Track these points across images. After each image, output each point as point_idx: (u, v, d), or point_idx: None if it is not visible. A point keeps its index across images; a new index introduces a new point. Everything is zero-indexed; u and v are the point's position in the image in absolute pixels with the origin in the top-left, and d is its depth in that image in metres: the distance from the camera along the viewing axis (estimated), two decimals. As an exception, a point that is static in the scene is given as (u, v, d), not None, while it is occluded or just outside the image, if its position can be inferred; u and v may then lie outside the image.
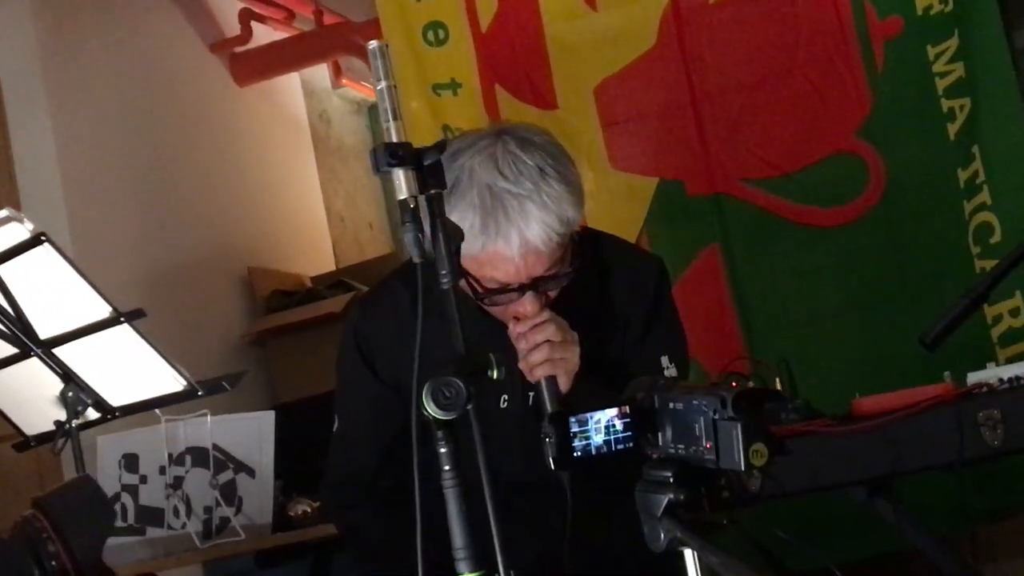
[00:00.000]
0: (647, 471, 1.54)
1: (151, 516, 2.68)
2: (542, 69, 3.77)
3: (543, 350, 1.99)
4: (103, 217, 4.17)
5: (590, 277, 2.18)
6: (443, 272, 1.59)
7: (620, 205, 3.66)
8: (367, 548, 2.29)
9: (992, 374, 2.16)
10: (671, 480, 1.50)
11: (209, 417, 2.67)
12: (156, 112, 4.56)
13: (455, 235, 1.60)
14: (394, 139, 1.59)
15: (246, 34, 4.96)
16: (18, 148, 4.10)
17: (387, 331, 2.20)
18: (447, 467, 1.54)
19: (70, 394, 1.76)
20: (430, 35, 3.77)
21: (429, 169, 1.60)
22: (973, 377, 2.21)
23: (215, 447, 2.68)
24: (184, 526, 2.68)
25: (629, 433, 1.52)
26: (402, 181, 1.58)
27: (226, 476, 2.72)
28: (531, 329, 2.01)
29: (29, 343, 1.72)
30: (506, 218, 1.98)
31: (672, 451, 1.51)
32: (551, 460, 1.53)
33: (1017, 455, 2.86)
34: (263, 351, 4.68)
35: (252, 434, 2.73)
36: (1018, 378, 2.05)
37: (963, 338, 3.31)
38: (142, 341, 1.71)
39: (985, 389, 2.09)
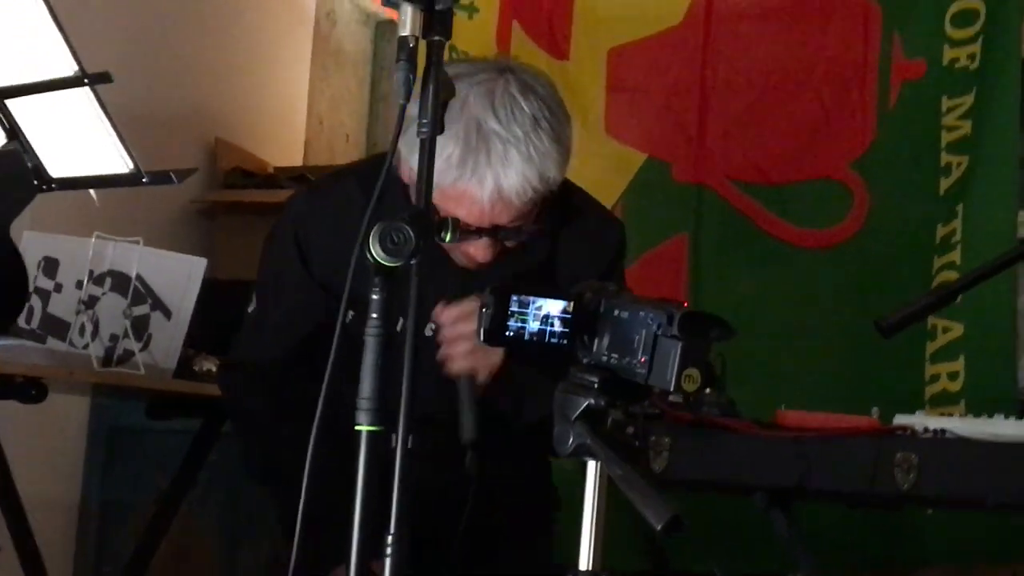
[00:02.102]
0: (573, 372, 1.48)
1: (56, 327, 2.60)
2: (564, 18, 3.72)
3: (466, 342, 1.93)
4: (90, 42, 4.05)
5: (551, 224, 2.12)
6: (423, 121, 1.53)
7: (604, 171, 3.60)
8: (254, 433, 2.21)
9: (920, 421, 2.17)
10: (595, 386, 1.45)
11: (141, 245, 2.60)
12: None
13: (446, 87, 1.54)
14: (413, -28, 1.52)
15: (279, -90, 4.87)
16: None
17: (329, 228, 2.10)
18: (375, 315, 1.48)
19: (12, 149, 1.68)
20: (461, -48, 3.70)
21: (439, 15, 1.53)
22: (900, 419, 2.20)
23: (138, 277, 2.60)
24: (87, 347, 2.60)
25: (566, 330, 1.47)
26: (408, 17, 1.51)
27: (141, 310, 2.64)
28: (458, 319, 1.95)
29: (-20, 87, 1.64)
30: (487, 159, 1.93)
31: (604, 359, 1.46)
32: (482, 331, 1.47)
33: (923, 507, 2.86)
34: (211, 223, 4.59)
35: (180, 276, 2.66)
36: (943, 431, 2.04)
37: (899, 385, 3.36)
38: (99, 111, 1.63)
39: (909, 432, 2.08)
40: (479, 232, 1.98)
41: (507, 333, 1.45)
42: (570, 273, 2.12)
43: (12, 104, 1.67)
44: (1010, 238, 3.35)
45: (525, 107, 1.96)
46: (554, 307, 1.47)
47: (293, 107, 5.21)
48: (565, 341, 1.46)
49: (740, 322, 3.58)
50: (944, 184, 3.43)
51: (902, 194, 3.48)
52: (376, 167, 2.14)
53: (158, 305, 2.64)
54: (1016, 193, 3.41)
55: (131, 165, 1.69)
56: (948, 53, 3.45)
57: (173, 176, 1.76)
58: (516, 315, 1.46)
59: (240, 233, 4.52)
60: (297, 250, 2.13)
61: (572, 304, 1.47)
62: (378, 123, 5.65)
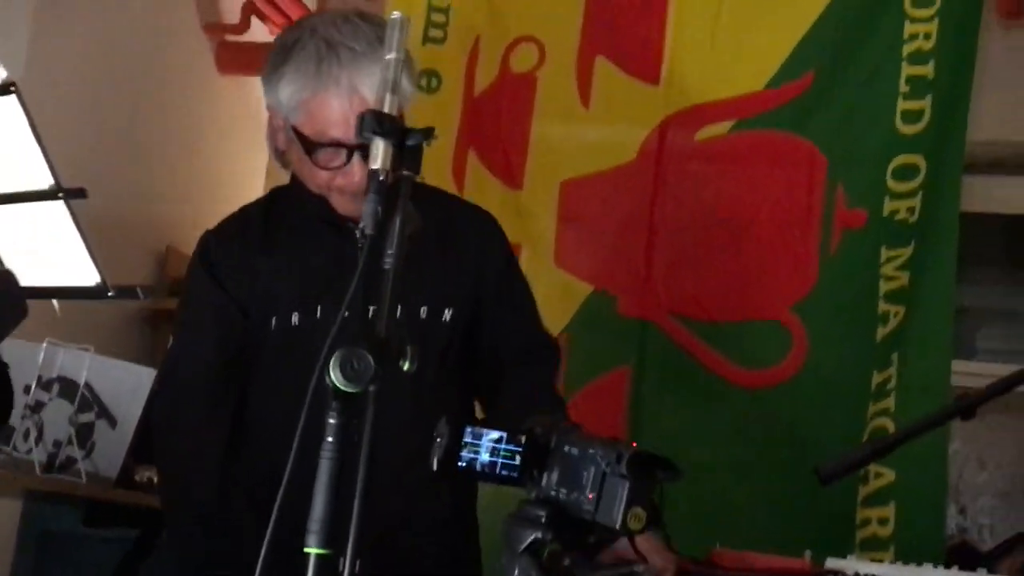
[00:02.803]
0: (522, 505, 1.52)
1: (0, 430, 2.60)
2: (520, 149, 3.80)
3: None
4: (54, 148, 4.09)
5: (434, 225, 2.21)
6: (388, 252, 1.58)
7: (551, 300, 3.62)
8: (173, 471, 2.29)
9: (850, 565, 2.23)
10: (543, 520, 1.48)
11: (91, 354, 2.61)
12: (133, 68, 4.53)
13: (411, 220, 1.59)
14: (386, 110, 1.58)
15: (243, 25, 4.96)
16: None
17: (235, 250, 2.29)
18: (330, 438, 1.51)
19: (-21, 261, 1.71)
20: (423, 82, 3.78)
21: (409, 150, 1.60)
22: (832, 563, 2.26)
23: (87, 385, 2.62)
24: (30, 452, 2.60)
25: (517, 462, 1.51)
26: (380, 151, 1.58)
27: (87, 417, 2.65)
28: None
29: (-47, 192, 1.67)
30: (338, 64, 2.12)
31: (553, 493, 1.49)
32: (435, 461, 1.51)
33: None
34: (155, 332, 4.60)
35: (128, 385, 2.68)
36: (873, 575, 2.11)
37: (830, 528, 3.41)
38: (71, 224, 1.67)
39: None
40: (349, 152, 2.13)
41: (459, 464, 1.48)
42: (474, 268, 2.35)
43: (-18, 211, 1.71)
44: (944, 388, 3.43)
45: (366, 28, 2.17)
46: (506, 439, 1.51)
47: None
48: (516, 474, 1.50)
49: (677, 457, 3.64)
50: (881, 332, 3.51)
51: (840, 339, 3.55)
52: (272, 193, 2.41)
53: (104, 413, 2.65)
54: (950, 344, 3.50)
55: (98, 278, 1.72)
56: (889, 205, 3.55)
57: (140, 292, 1.80)
58: (469, 446, 1.49)
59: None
60: (210, 273, 2.29)
61: (524, 438, 1.51)
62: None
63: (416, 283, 2.17)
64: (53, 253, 1.70)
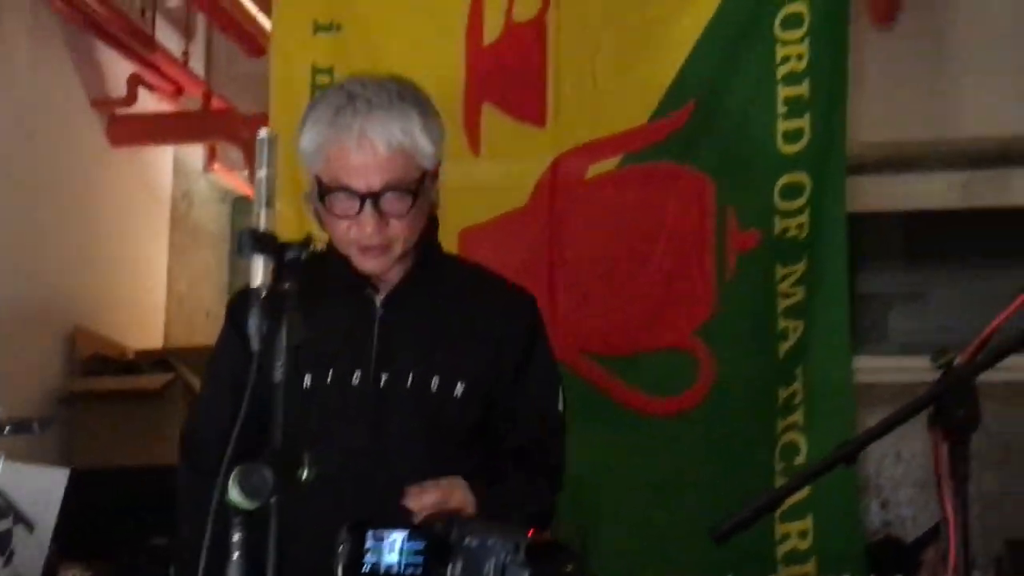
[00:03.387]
0: (429, 600, 1.56)
1: (-86, 548, 2.59)
2: (415, 202, 3.83)
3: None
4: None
5: (458, 294, 2.34)
6: (278, 364, 1.62)
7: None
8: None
9: None
10: (452, 613, 1.53)
11: (1, 461, 2.60)
12: (25, 151, 4.50)
13: (295, 331, 1.63)
14: (263, 227, 1.62)
15: (131, 98, 4.95)
16: None
17: None
18: (236, 554, 1.54)
19: None
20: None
21: (288, 264, 1.64)
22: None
23: None
24: (-53, 566, 2.58)
25: (420, 560, 1.55)
26: (259, 269, 1.61)
27: (4, 524, 2.64)
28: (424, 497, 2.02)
29: None
30: (353, 113, 2.18)
31: (459, 586, 1.54)
32: (339, 570, 1.55)
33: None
34: (71, 412, 4.57)
35: (42, 488, 2.66)
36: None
37: (751, 546, 3.48)
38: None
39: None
40: (361, 200, 2.17)
41: (363, 570, 1.52)
42: (494, 339, 2.32)
43: None
44: (847, 396, 3.54)
45: (391, 86, 2.25)
46: (406, 538, 1.56)
47: (152, 288, 5.25)
48: (420, 571, 1.54)
49: (595, 491, 3.70)
50: (783, 348, 3.61)
51: (745, 360, 3.63)
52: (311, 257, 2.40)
53: (20, 519, 2.64)
54: (849, 352, 3.60)
55: (-6, 415, 1.74)
56: (779, 224, 3.65)
57: (35, 426, 1.82)
58: (372, 550, 1.53)
59: (101, 421, 4.51)
60: (235, 328, 2.30)
61: (422, 533, 1.56)
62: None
63: (430, 354, 2.26)
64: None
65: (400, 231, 2.23)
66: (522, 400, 2.34)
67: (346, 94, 2.22)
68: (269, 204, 1.63)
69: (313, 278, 2.26)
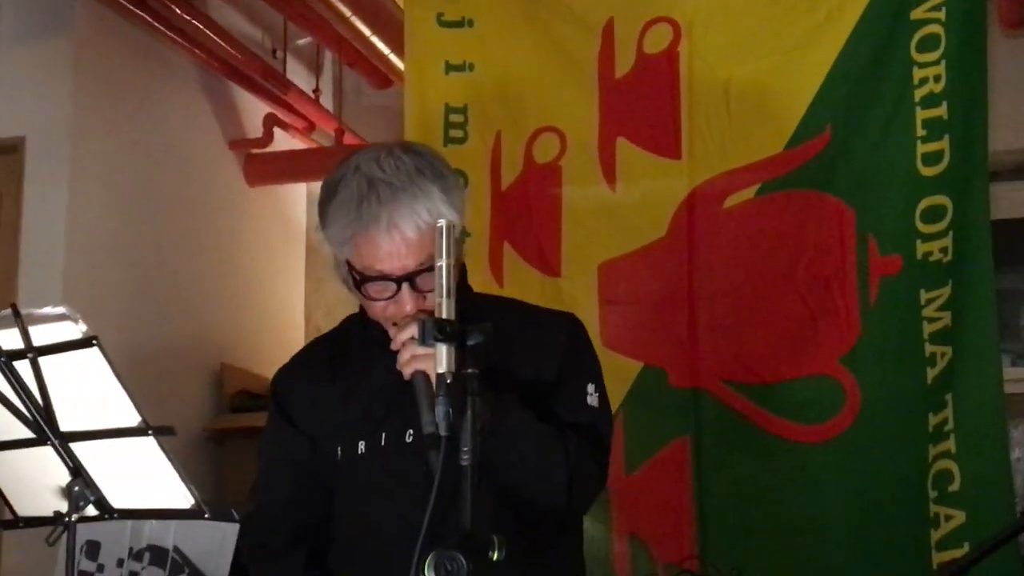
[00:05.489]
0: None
1: (100, 607, 2.70)
2: (553, 237, 3.88)
3: (407, 347, 2.03)
4: (96, 287, 4.22)
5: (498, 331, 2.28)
6: (464, 449, 1.66)
7: (602, 382, 3.73)
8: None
9: None
10: None
11: (175, 524, 2.70)
12: (167, 195, 4.64)
13: (482, 415, 1.67)
14: (444, 315, 1.67)
15: (267, 138, 5.07)
16: (29, 207, 4.16)
17: (302, 384, 2.41)
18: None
19: (76, 488, 1.80)
20: (450, 182, 3.86)
21: (471, 349, 1.68)
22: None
23: (175, 549, 2.71)
24: (131, 623, 2.69)
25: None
26: (443, 356, 1.66)
27: (181, 581, 2.74)
28: (398, 328, 2.11)
29: (48, 432, 1.77)
30: (378, 202, 2.18)
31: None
32: None
33: None
34: (220, 448, 4.70)
35: (214, 543, 2.76)
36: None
37: (905, 573, 3.45)
38: (161, 454, 1.77)
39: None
40: (397, 282, 2.18)
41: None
42: (527, 368, 2.30)
43: (76, 446, 1.81)
44: (1001, 426, 3.48)
45: (407, 160, 2.24)
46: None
47: (291, 321, 5.37)
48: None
49: (745, 526, 3.70)
50: (931, 374, 3.55)
51: (892, 386, 3.58)
52: (343, 322, 2.49)
53: (196, 573, 2.74)
54: (1000, 379, 3.54)
55: (192, 501, 1.82)
56: (921, 248, 3.58)
57: (235, 513, 1.90)
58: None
59: (249, 457, 4.61)
60: (278, 407, 2.42)
61: None
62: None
63: None
64: (146, 480, 1.80)
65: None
66: (560, 399, 2.32)
67: (366, 180, 2.21)
68: (450, 294, 1.67)
69: (351, 343, 2.36)
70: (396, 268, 2.19)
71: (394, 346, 2.06)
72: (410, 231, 2.17)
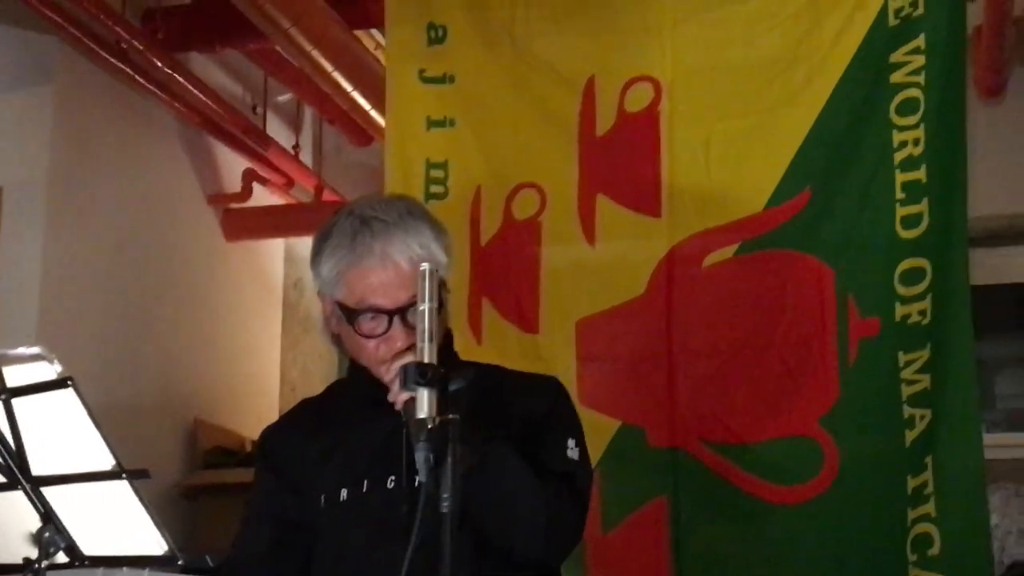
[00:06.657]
0: None
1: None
2: (532, 293, 3.87)
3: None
4: (71, 340, 4.18)
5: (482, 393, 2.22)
6: (444, 496, 1.64)
7: (579, 441, 3.70)
8: None
9: None
10: None
11: (148, 572, 2.65)
12: (144, 247, 4.62)
13: (463, 461, 1.65)
14: (425, 359, 1.65)
15: (246, 193, 5.07)
16: (4, 257, 4.13)
17: (290, 439, 2.45)
18: None
19: (46, 535, 1.77)
20: (428, 238, 3.84)
21: (452, 395, 1.66)
22: None
23: (143, 602, 2.66)
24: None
25: None
26: (424, 401, 1.64)
27: (150, 635, 2.68)
28: (393, 357, 2.12)
29: (20, 477, 1.74)
30: (371, 236, 2.25)
31: None
32: None
33: None
34: (193, 505, 4.65)
35: (183, 595, 2.71)
36: None
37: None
38: (135, 499, 1.74)
39: None
40: (389, 316, 2.22)
41: None
42: (522, 408, 2.36)
43: (47, 491, 1.78)
44: (981, 491, 3.47)
45: (399, 203, 2.36)
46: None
47: (266, 377, 5.34)
48: None
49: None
50: (910, 436, 3.53)
51: (870, 448, 3.56)
52: (330, 385, 2.55)
53: (163, 627, 2.68)
54: (980, 443, 3.53)
55: (166, 547, 1.78)
56: (900, 310, 3.58)
57: (209, 560, 1.86)
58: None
59: (222, 513, 4.56)
60: (264, 458, 2.47)
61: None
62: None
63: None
64: (116, 525, 1.76)
65: None
66: (541, 451, 2.32)
67: (359, 219, 2.29)
68: (431, 339, 1.66)
69: (339, 402, 2.41)
70: (388, 301, 2.22)
71: (387, 378, 2.07)
72: (403, 262, 2.23)
